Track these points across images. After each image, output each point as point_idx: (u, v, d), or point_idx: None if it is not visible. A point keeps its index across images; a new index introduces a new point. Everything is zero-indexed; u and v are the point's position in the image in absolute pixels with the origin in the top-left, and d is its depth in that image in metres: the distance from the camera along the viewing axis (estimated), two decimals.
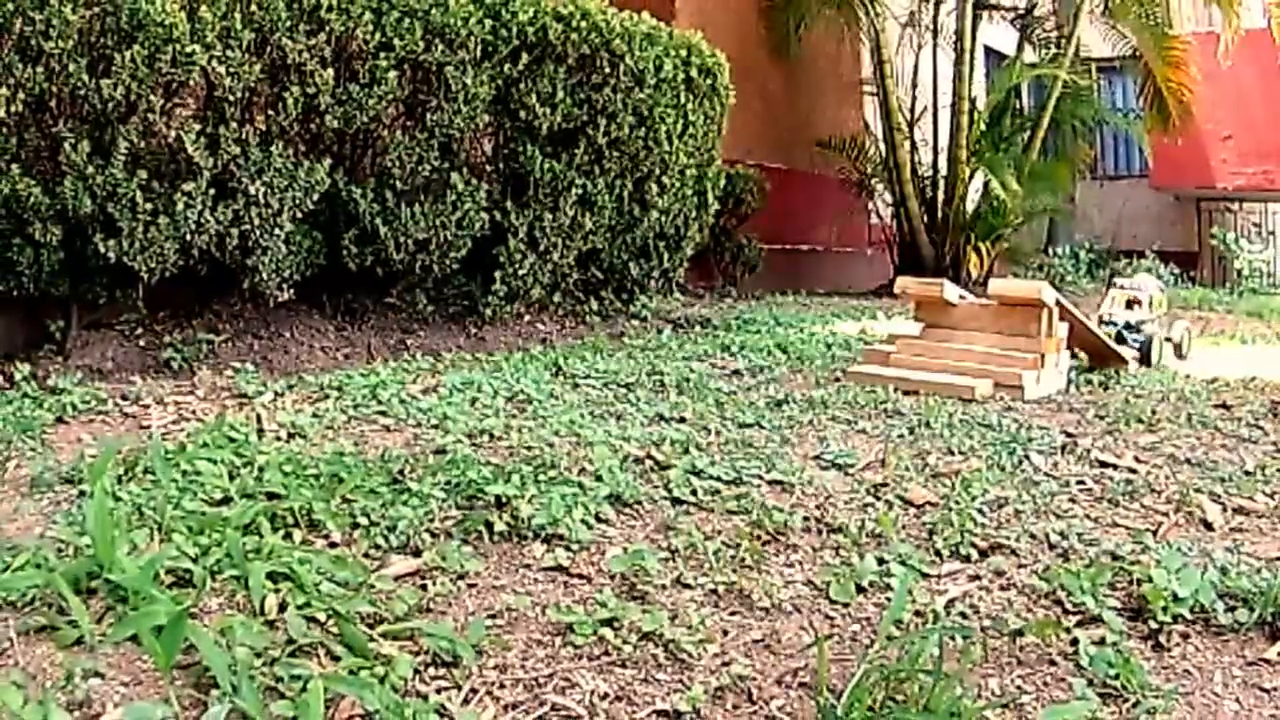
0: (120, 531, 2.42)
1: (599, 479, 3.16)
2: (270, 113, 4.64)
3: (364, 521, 2.73)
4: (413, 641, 2.17)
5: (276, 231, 4.61)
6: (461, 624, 2.27)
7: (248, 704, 1.87)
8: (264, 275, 4.64)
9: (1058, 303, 5.02)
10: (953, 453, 3.80)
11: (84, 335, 4.50)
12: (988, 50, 13.03)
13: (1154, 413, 4.53)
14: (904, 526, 3.03)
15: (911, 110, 10.77)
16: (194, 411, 3.86)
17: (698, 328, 6.65)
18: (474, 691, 2.05)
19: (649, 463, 3.41)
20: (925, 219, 10.50)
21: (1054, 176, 11.50)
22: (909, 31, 11.22)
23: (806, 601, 2.53)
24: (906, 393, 4.71)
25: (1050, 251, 14.25)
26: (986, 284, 5.80)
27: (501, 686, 2.08)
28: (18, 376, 4.06)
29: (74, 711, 1.87)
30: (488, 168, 5.72)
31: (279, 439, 3.51)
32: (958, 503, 3.18)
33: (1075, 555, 2.86)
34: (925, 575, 2.70)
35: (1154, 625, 2.47)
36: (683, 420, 4.05)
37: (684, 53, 6.33)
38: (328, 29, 4.68)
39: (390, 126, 5.13)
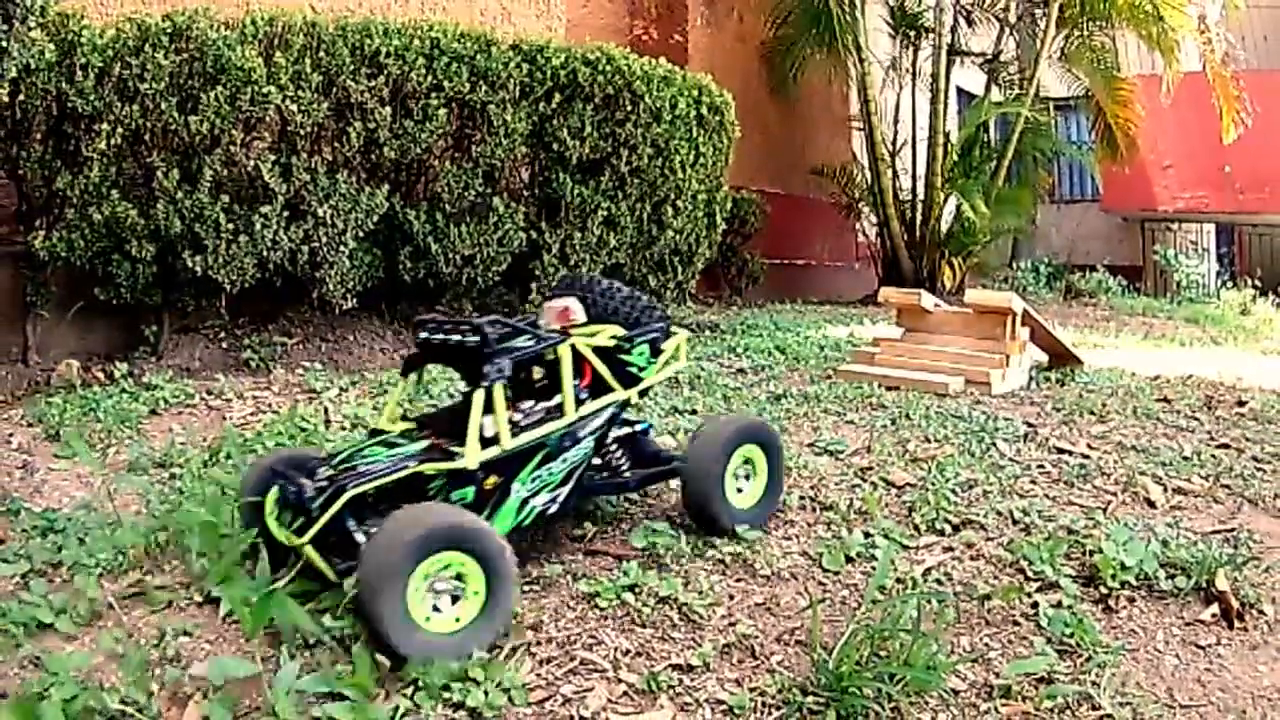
0: (205, 510, 2.43)
1: None
2: (336, 145, 4.65)
3: None
4: None
5: (341, 249, 4.62)
6: None
7: (318, 657, 1.88)
8: (331, 286, 4.65)
9: (1024, 310, 5.00)
10: (929, 440, 3.78)
11: (174, 338, 4.52)
12: (960, 90, 12.96)
13: (1104, 406, 4.50)
14: (887, 505, 3.02)
15: (893, 142, 10.70)
16: (270, 405, 3.88)
17: (707, 332, 6.64)
18: (514, 649, 2.05)
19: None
20: (905, 237, 10.43)
21: (1017, 200, 11.40)
22: (891, 74, 11.18)
23: (802, 570, 2.52)
24: (889, 388, 4.69)
25: (1014, 266, 14.16)
26: (959, 293, 5.73)
27: (537, 644, 2.08)
28: (117, 374, 4.09)
29: (166, 666, 1.88)
30: (525, 193, 5.71)
31: (344, 429, 3.52)
32: (934, 484, 3.17)
33: (1036, 529, 2.85)
34: (905, 547, 2.69)
35: (1104, 590, 2.46)
36: (694, 412, 4.04)
37: (696, 92, 6.31)
38: (386, 72, 4.69)
39: (440, 157, 5.14)
